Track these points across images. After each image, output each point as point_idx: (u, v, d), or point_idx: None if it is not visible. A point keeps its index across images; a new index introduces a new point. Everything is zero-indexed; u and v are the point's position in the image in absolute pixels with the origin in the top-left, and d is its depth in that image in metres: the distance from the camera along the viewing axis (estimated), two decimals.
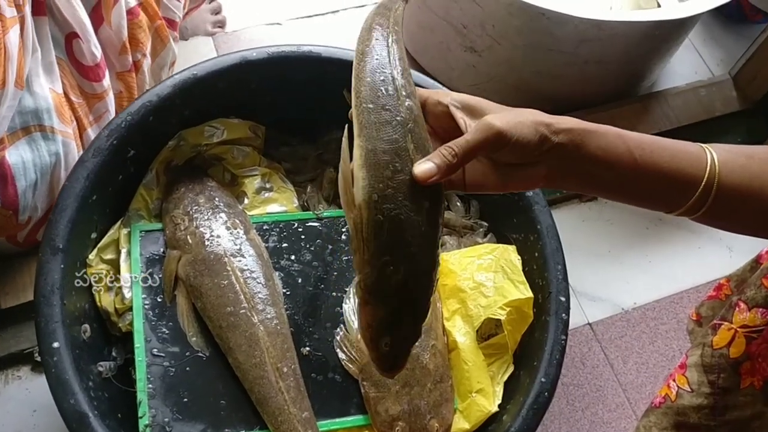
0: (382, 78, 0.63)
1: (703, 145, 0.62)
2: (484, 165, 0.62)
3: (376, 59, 0.65)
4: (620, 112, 1.32)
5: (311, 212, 1.01)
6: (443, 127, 0.64)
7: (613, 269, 1.22)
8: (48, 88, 0.88)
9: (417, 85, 0.66)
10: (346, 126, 0.64)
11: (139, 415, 0.83)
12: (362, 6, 1.48)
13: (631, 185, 0.61)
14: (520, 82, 1.27)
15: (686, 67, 1.49)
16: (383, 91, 0.62)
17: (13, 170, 0.89)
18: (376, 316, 0.60)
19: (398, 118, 0.61)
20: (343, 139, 0.63)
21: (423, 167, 0.58)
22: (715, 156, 0.60)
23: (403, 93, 0.63)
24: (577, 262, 1.20)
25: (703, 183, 0.59)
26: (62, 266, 0.83)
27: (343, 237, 0.98)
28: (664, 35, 1.22)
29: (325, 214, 1.00)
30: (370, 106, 0.62)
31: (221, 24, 1.42)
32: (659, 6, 1.25)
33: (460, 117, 0.62)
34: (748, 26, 1.58)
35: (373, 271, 0.59)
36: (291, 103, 1.05)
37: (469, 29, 1.21)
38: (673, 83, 1.44)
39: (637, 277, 1.23)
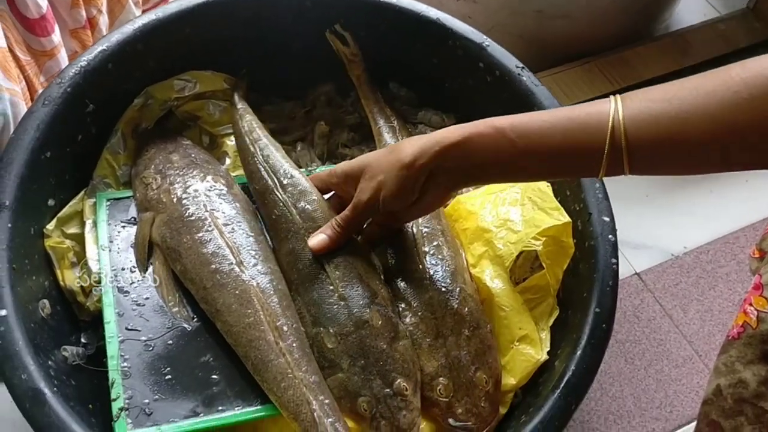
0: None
1: (613, 98, 0.59)
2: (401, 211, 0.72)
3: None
4: (635, 53, 1.20)
5: (304, 170, 0.88)
6: (351, 194, 0.73)
7: (654, 214, 1.07)
8: None
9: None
10: None
11: (112, 397, 0.67)
12: None
13: (529, 170, 0.64)
14: (523, 30, 1.16)
15: (695, 14, 1.38)
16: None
17: None
18: (338, 384, 0.69)
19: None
20: None
21: (316, 239, 0.74)
22: (620, 112, 0.57)
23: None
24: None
25: (606, 148, 0.58)
26: (10, 225, 0.70)
27: None
28: None
29: (319, 171, 0.87)
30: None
31: None
32: None
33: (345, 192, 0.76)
34: None
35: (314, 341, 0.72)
36: (270, 54, 0.93)
37: None
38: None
39: (682, 220, 1.07)
